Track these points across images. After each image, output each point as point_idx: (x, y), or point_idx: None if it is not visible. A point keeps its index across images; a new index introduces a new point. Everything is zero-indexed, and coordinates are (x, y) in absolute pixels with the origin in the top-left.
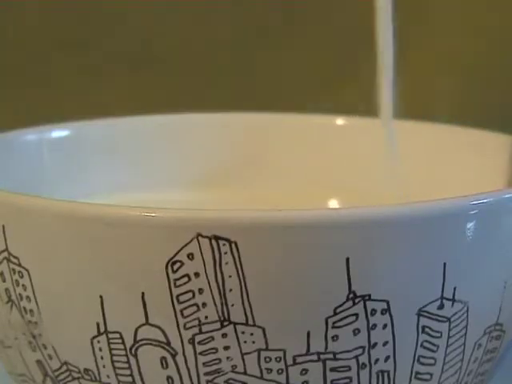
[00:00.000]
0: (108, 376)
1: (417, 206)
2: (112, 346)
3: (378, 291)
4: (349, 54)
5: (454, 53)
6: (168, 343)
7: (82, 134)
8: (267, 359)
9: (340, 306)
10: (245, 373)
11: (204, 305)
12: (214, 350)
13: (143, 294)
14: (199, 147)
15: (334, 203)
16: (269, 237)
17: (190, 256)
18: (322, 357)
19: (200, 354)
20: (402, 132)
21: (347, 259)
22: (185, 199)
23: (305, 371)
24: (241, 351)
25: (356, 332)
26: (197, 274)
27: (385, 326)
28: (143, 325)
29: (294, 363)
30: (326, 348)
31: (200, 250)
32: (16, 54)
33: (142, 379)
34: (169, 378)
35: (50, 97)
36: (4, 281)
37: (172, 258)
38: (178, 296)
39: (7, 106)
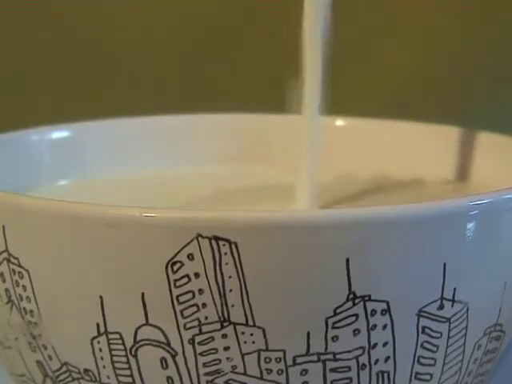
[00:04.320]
0: (108, 376)
1: (417, 206)
2: (112, 346)
3: (378, 292)
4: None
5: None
6: (168, 343)
7: (82, 135)
8: (267, 360)
9: (340, 306)
10: (245, 373)
11: (204, 305)
12: (213, 351)
13: (143, 294)
14: (199, 148)
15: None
16: (269, 237)
17: (190, 256)
18: (321, 357)
19: (200, 354)
20: (401, 132)
21: (347, 260)
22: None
23: (305, 372)
24: (241, 352)
25: (356, 332)
26: (197, 275)
27: (385, 326)
28: (143, 325)
29: (294, 364)
30: (326, 348)
31: (200, 250)
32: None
33: (141, 380)
34: (169, 378)
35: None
36: (4, 281)
37: (172, 258)
38: (177, 296)
39: (7, 106)
